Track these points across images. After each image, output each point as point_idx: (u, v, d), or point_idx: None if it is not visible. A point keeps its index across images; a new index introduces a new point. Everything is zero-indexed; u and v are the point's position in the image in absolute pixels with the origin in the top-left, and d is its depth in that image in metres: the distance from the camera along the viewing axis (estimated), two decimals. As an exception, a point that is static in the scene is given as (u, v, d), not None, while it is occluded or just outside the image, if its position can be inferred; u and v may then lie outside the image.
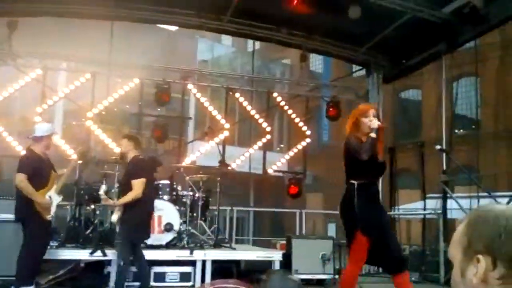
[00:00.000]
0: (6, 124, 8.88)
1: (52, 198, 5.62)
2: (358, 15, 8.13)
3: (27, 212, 5.45)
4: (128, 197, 5.68)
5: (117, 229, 6.07)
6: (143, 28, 11.91)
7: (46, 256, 6.21)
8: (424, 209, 9.12)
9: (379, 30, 9.23)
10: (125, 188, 5.79)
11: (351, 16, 8.18)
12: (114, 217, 5.93)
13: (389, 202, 10.17)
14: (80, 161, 6.52)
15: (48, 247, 6.08)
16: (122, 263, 5.59)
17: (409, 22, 8.46)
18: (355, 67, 13.55)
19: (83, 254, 6.25)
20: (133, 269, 5.96)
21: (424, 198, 9.27)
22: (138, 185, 5.66)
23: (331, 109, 10.56)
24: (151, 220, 6.10)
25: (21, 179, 5.35)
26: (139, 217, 5.78)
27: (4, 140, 8.52)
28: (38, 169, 5.50)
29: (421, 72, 13.69)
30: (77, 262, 6.44)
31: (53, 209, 5.64)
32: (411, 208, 13.17)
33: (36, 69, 9.11)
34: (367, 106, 5.13)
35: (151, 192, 6.15)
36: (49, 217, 5.56)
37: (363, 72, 11.87)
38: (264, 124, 10.56)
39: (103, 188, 6.10)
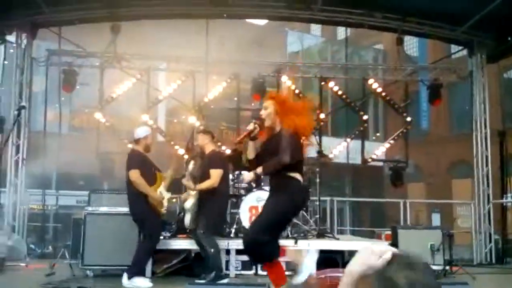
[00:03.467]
0: (115, 123, 9.47)
1: (163, 195, 5.95)
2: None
3: (142, 209, 5.78)
4: (205, 184, 5.89)
5: (187, 216, 6.27)
6: (234, 24, 12.15)
7: (160, 247, 6.60)
8: (540, 195, 8.47)
9: (481, 6, 8.68)
10: (202, 180, 5.99)
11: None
12: (188, 204, 6.17)
13: (500, 190, 9.59)
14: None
15: (161, 237, 6.46)
16: (212, 250, 5.76)
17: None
18: (454, 48, 12.89)
19: (193, 244, 6.51)
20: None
21: (539, 183, 8.61)
22: (215, 175, 5.86)
23: (432, 93, 10.12)
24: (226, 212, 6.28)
25: (137, 176, 5.67)
26: (217, 208, 5.97)
27: (116, 139, 9.10)
28: (145, 167, 5.83)
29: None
30: (188, 251, 6.73)
31: (165, 204, 5.96)
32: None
33: (139, 70, 9.64)
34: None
35: (227, 186, 6.38)
36: (163, 210, 5.88)
37: (464, 52, 11.25)
38: (361, 113, 10.36)
39: (190, 168, 6.36)
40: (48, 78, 9.59)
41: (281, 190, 4.34)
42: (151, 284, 5.72)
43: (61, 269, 6.44)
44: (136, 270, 5.71)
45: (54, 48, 9.70)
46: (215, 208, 5.96)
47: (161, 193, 5.94)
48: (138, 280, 5.66)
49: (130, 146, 6.34)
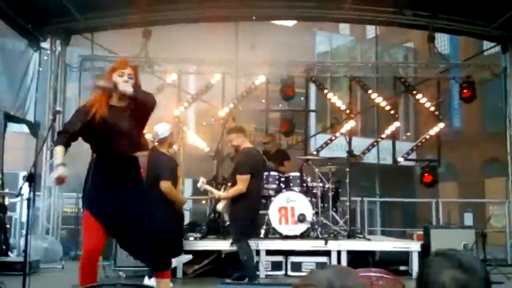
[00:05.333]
0: (147, 128, 9.61)
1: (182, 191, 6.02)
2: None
3: (165, 211, 5.67)
4: (231, 192, 5.85)
5: (223, 216, 6.28)
6: (263, 26, 12.21)
7: (190, 248, 6.69)
8: None
9: (514, 1, 8.48)
10: (234, 181, 5.89)
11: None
12: (220, 206, 6.19)
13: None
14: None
15: (192, 238, 6.55)
16: (245, 258, 5.69)
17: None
18: (487, 44, 12.61)
19: (224, 245, 6.59)
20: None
21: None
22: (241, 181, 5.72)
23: (465, 91, 9.93)
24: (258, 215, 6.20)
25: (170, 189, 5.55)
26: (248, 212, 5.85)
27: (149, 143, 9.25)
28: (174, 170, 5.75)
29: None
30: (219, 252, 6.81)
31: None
32: None
33: (171, 73, 9.78)
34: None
35: (258, 187, 6.14)
36: (183, 210, 6.01)
37: (497, 48, 11.01)
38: (391, 111, 10.26)
39: (201, 180, 6.22)
40: (82, 83, 9.82)
41: None
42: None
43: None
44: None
45: (87, 54, 9.94)
46: (246, 212, 5.84)
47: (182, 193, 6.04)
48: None
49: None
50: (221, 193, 6.23)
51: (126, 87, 3.67)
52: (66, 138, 3.72)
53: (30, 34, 8.98)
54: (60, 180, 3.62)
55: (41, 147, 7.76)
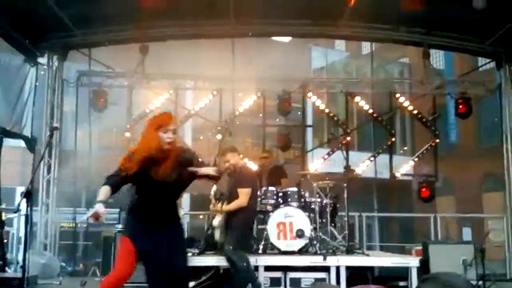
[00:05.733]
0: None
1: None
2: (483, 5, 7.65)
3: None
4: (234, 205, 5.94)
5: (217, 233, 6.29)
6: (259, 43, 12.28)
7: (188, 263, 6.63)
8: None
9: (507, 18, 8.58)
10: (231, 195, 6.03)
11: (476, 7, 7.71)
12: (216, 221, 6.18)
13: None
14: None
15: (190, 254, 6.48)
16: (244, 264, 5.79)
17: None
18: (482, 60, 12.73)
19: (222, 261, 6.53)
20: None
21: None
22: (244, 195, 5.94)
23: (461, 106, 10.01)
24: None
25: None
26: (244, 224, 6.01)
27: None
28: None
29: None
30: (217, 268, 6.74)
31: None
32: None
33: (167, 89, 9.81)
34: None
35: (255, 202, 6.41)
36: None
37: (491, 65, 11.11)
38: (388, 127, 10.30)
39: (213, 189, 6.29)
40: (78, 98, 9.83)
41: None
42: None
43: (92, 286, 6.52)
44: None
45: (84, 69, 9.96)
46: (242, 224, 6.02)
47: None
48: None
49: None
50: (223, 207, 6.23)
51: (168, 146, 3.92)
52: (114, 181, 3.91)
53: (27, 50, 9.00)
54: (95, 216, 3.80)
55: (38, 163, 7.74)
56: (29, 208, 4.05)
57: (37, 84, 9.91)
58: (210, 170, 3.91)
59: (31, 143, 8.96)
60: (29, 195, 4.01)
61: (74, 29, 8.89)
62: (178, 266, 4.00)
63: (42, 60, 9.51)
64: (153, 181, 3.88)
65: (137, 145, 4.07)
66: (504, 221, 9.80)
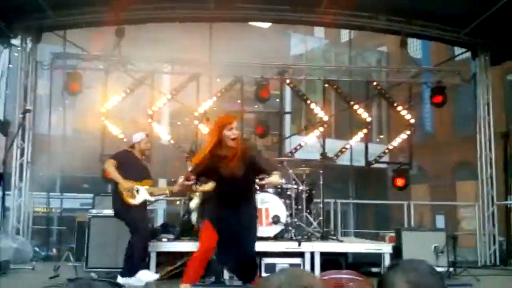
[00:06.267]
0: (119, 127, 9.50)
1: (139, 190, 5.96)
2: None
3: (120, 204, 5.91)
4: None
5: (193, 216, 6.27)
6: (238, 28, 12.20)
7: (164, 249, 6.64)
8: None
9: (484, 9, 8.67)
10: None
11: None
12: (192, 204, 6.18)
13: (504, 191, 9.59)
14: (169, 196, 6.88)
15: (165, 240, 6.46)
16: (214, 257, 5.74)
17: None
18: (458, 50, 12.88)
19: (197, 246, 6.52)
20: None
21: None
22: None
23: (436, 95, 10.12)
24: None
25: (108, 164, 5.95)
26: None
27: (120, 141, 9.14)
28: (126, 163, 6.00)
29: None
30: (192, 253, 6.73)
31: (138, 199, 5.94)
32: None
33: (144, 73, 9.68)
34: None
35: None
36: (131, 201, 5.89)
37: (467, 54, 11.26)
38: (364, 115, 10.37)
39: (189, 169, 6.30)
40: (53, 81, 9.64)
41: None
42: (156, 276, 5.86)
43: (66, 271, 6.47)
44: (128, 268, 5.76)
45: (58, 52, 9.76)
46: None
47: (137, 189, 5.94)
48: (142, 274, 5.74)
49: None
50: (199, 187, 6.20)
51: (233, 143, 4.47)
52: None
53: (0, 31, 8.76)
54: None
55: (10, 145, 7.59)
56: (1, 192, 3.98)
57: (10, 66, 9.69)
58: (274, 178, 4.70)
59: (4, 126, 8.76)
60: (1, 178, 3.95)
61: (49, 10, 8.68)
62: (247, 247, 4.65)
63: (16, 41, 9.27)
64: (223, 176, 4.48)
65: (205, 144, 4.74)
66: (476, 209, 10.00)
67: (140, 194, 5.97)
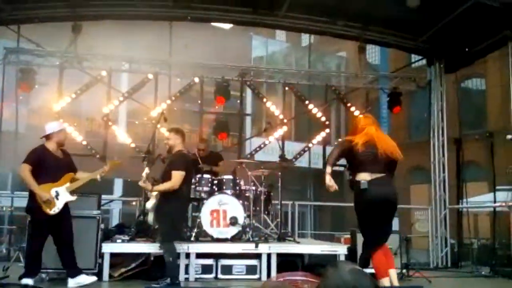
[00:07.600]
0: (75, 125, 9.28)
1: (59, 194, 5.65)
2: (417, 3, 7.94)
3: (29, 206, 5.64)
4: (165, 186, 5.81)
5: (150, 217, 6.22)
6: (198, 28, 12.11)
7: (118, 250, 6.50)
8: (494, 201, 8.72)
9: (439, 18, 8.95)
10: (164, 179, 5.91)
11: (410, 5, 8.00)
12: (149, 204, 6.08)
13: (456, 195, 9.89)
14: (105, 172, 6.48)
15: (119, 241, 6.31)
16: (170, 259, 5.70)
17: (471, 9, 8.16)
18: (414, 57, 13.21)
19: (153, 248, 6.44)
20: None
21: (494, 190, 8.89)
22: (176, 177, 5.76)
23: (392, 101, 10.35)
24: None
25: (22, 169, 5.52)
26: (175, 213, 5.91)
27: (73, 140, 8.91)
28: (43, 162, 5.60)
29: (484, 60, 13.14)
30: (147, 255, 6.64)
31: (59, 205, 5.63)
32: (479, 201, 12.67)
33: (100, 71, 9.49)
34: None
35: (189, 189, 6.29)
36: (50, 212, 5.57)
37: (423, 61, 11.57)
38: (323, 118, 10.49)
39: (146, 171, 6.09)
40: (6, 76, 9.31)
41: None
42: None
43: (15, 272, 6.24)
44: (25, 273, 5.61)
45: (12, 46, 9.45)
46: (174, 213, 5.87)
47: (57, 193, 5.62)
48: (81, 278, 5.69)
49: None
50: (154, 187, 6.05)
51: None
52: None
53: (-50, 23, 8.42)
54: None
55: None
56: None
57: (-40, 60, 9.28)
58: None
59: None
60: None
61: (2, 4, 8.40)
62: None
63: (-33, 35, 8.93)
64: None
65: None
66: (428, 212, 10.28)
67: (60, 198, 5.65)
